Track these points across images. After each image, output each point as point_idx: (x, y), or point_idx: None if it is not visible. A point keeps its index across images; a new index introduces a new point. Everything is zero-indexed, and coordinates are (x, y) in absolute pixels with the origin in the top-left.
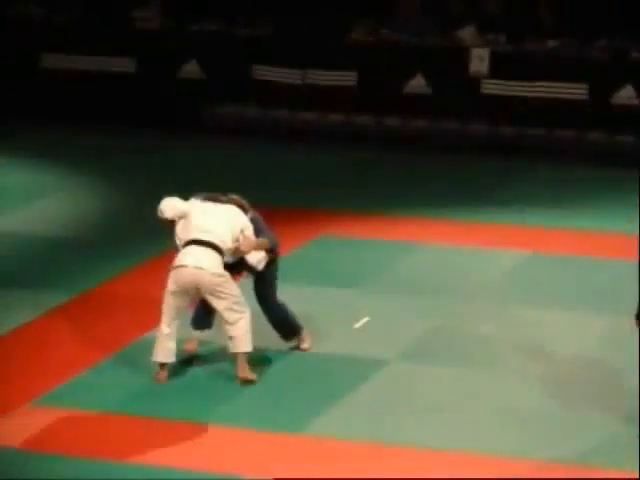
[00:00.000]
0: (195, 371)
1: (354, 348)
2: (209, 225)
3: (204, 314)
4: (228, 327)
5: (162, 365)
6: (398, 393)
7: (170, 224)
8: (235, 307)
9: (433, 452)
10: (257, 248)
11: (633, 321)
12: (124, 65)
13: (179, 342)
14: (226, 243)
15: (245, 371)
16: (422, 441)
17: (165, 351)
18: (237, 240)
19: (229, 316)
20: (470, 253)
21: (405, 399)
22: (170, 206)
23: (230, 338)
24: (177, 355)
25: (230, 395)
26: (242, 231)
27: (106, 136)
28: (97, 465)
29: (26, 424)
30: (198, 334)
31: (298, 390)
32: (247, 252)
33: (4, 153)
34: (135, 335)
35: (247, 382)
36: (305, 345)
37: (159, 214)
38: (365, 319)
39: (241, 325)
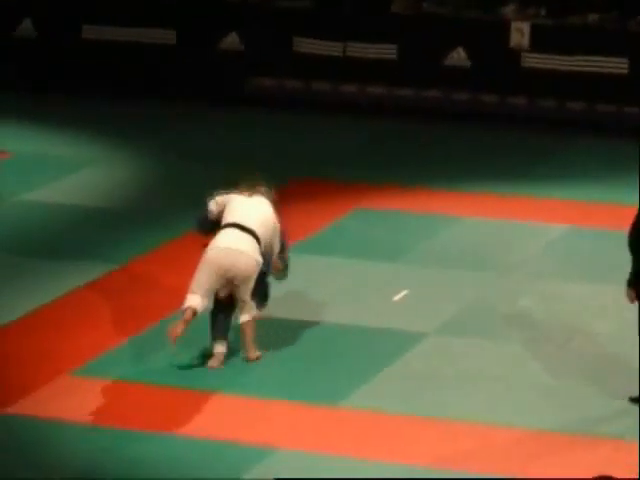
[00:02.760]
0: (232, 344)
1: (393, 321)
2: (249, 214)
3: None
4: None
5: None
6: (436, 366)
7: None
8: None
9: (469, 425)
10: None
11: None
12: (165, 37)
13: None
14: (264, 237)
15: (252, 351)
16: (458, 414)
17: (195, 300)
18: (268, 242)
19: (244, 308)
20: (509, 227)
21: (443, 372)
22: (214, 204)
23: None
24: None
25: (269, 367)
26: (274, 232)
27: (145, 108)
28: (132, 435)
29: (64, 395)
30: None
31: (336, 362)
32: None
33: (46, 124)
34: (172, 307)
35: (257, 360)
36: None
37: (211, 215)
38: (404, 292)
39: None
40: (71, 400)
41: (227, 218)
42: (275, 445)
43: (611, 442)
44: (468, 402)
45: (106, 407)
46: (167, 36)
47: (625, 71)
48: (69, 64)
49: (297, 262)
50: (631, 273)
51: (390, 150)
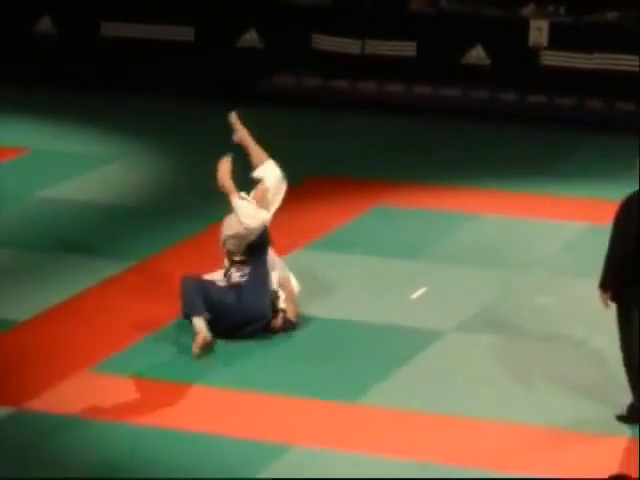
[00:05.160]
0: (249, 342)
1: (411, 319)
2: None
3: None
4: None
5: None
6: (454, 364)
7: None
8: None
9: (486, 423)
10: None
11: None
12: (183, 34)
13: None
14: None
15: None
16: (475, 412)
17: None
18: None
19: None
20: (528, 225)
21: (461, 370)
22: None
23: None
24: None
25: (286, 365)
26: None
27: (163, 105)
28: (150, 432)
29: (82, 391)
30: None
31: (354, 360)
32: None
33: (64, 121)
34: None
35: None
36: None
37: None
38: (422, 290)
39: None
40: (89, 397)
41: None
42: (292, 442)
43: (629, 441)
44: (485, 400)
45: (124, 404)
46: (185, 33)
47: None
48: (87, 61)
49: (315, 260)
50: (603, 275)
51: (408, 148)
